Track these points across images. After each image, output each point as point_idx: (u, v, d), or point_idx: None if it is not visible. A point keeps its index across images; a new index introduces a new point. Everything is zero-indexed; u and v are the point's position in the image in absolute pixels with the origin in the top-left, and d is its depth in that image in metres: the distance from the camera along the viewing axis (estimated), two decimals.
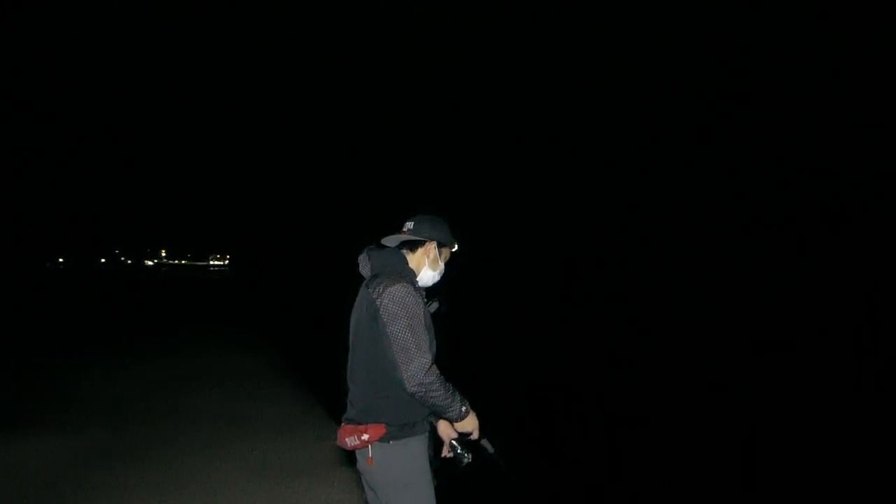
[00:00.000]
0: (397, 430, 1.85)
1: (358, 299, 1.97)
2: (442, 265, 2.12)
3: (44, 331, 12.10)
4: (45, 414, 5.46)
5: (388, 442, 1.85)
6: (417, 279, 2.04)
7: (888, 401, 7.67)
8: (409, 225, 2.07)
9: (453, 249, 2.16)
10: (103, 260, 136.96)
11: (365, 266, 2.02)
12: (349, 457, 2.49)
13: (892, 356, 11.24)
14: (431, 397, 1.80)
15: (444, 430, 2.06)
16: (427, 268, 2.07)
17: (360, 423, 1.87)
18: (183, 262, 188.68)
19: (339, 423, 1.98)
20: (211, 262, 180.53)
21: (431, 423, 2.02)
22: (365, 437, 1.84)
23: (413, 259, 2.05)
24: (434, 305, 2.00)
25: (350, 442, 1.88)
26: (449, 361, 2.04)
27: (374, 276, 1.94)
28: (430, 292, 2.06)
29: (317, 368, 7.75)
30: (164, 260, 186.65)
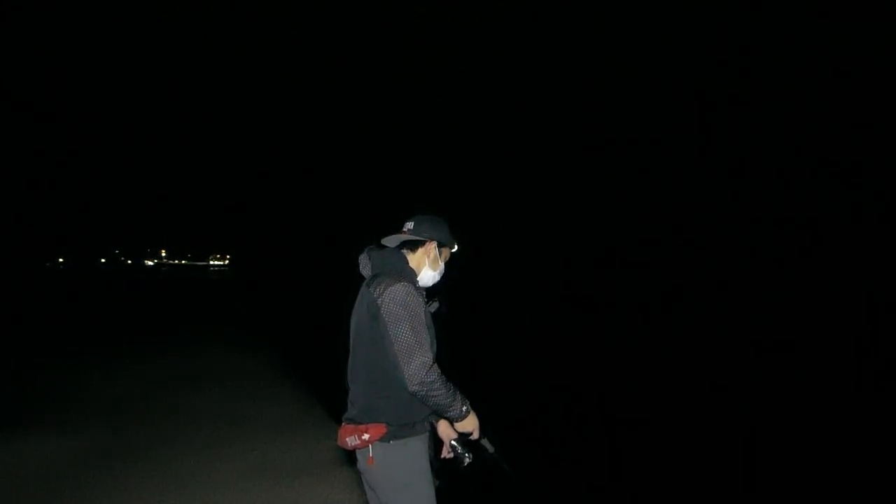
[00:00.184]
0: (398, 430, 1.86)
1: (358, 299, 1.97)
2: (442, 265, 2.12)
3: (44, 331, 12.10)
4: (45, 414, 5.47)
5: (389, 442, 1.85)
6: (418, 279, 2.04)
7: (888, 401, 7.67)
8: (410, 225, 2.07)
9: (453, 250, 2.16)
10: (103, 260, 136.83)
11: (365, 266, 2.02)
12: (349, 457, 2.50)
13: (892, 356, 11.24)
14: (432, 396, 1.80)
15: (444, 430, 2.06)
16: (427, 268, 2.07)
17: (360, 423, 1.88)
18: (183, 262, 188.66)
19: (339, 422, 1.98)
20: (211, 262, 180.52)
21: (431, 423, 2.02)
22: (365, 436, 1.84)
23: (413, 259, 2.05)
24: (434, 305, 2.00)
25: (351, 442, 1.88)
26: (449, 361, 2.04)
27: (375, 276, 1.94)
28: (431, 292, 2.06)
29: (317, 368, 7.76)
30: (164, 260, 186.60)
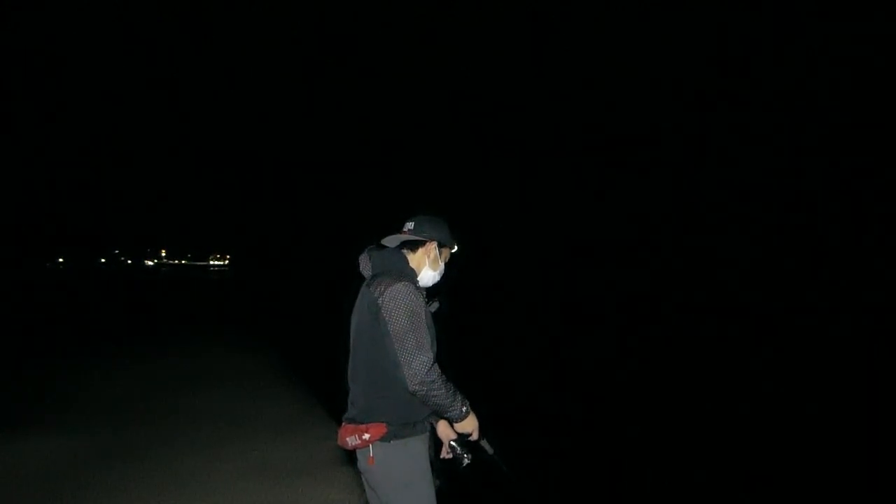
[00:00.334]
0: (398, 430, 1.86)
1: (359, 299, 1.97)
2: (442, 265, 2.12)
3: (44, 331, 12.10)
4: (45, 414, 5.46)
5: (389, 441, 1.85)
6: (418, 279, 2.04)
7: (888, 400, 7.67)
8: (410, 225, 2.07)
9: (453, 250, 2.16)
10: (103, 260, 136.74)
11: (365, 266, 2.03)
12: (350, 457, 2.50)
13: (892, 356, 11.24)
14: (433, 396, 1.80)
15: (444, 430, 2.06)
16: (427, 268, 2.07)
17: (360, 423, 1.88)
18: (183, 262, 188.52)
19: (339, 422, 1.98)
20: (211, 262, 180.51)
21: (431, 423, 2.02)
22: (366, 436, 1.84)
23: (413, 259, 2.05)
24: (434, 305, 2.00)
25: (351, 441, 1.88)
26: (449, 361, 2.04)
27: (375, 276, 1.94)
28: (431, 292, 2.06)
29: (317, 368, 7.76)
30: (164, 260, 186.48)
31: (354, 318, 1.98)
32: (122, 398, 6.09)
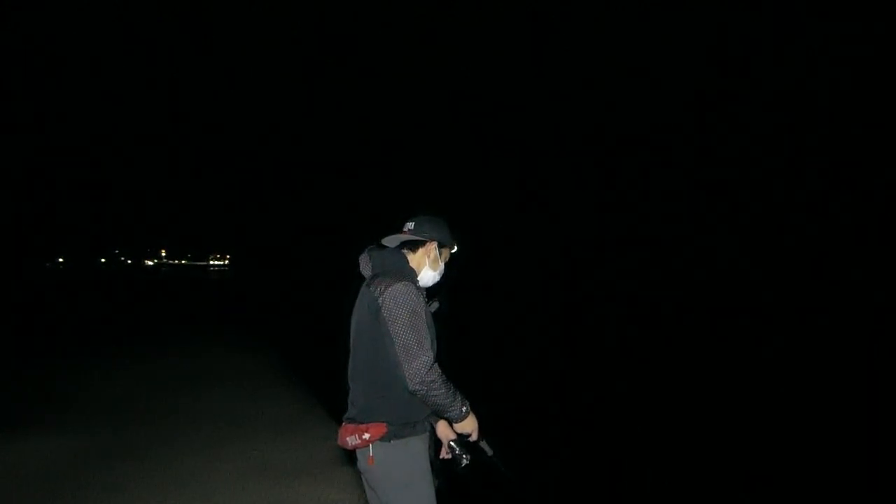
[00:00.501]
0: (398, 430, 1.85)
1: (359, 299, 1.97)
2: (442, 265, 2.12)
3: (44, 331, 12.10)
4: (45, 414, 5.47)
5: (389, 441, 1.85)
6: (418, 279, 2.04)
7: (888, 401, 7.67)
8: (410, 225, 2.07)
9: (453, 250, 2.16)
10: (103, 260, 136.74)
11: (366, 266, 2.03)
12: (350, 456, 2.50)
13: (892, 356, 11.24)
14: (433, 396, 1.80)
15: (443, 430, 2.06)
16: (427, 268, 2.07)
17: (361, 423, 1.88)
18: (183, 262, 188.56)
19: (339, 422, 1.98)
20: (211, 262, 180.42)
21: (431, 423, 2.02)
22: (366, 436, 1.84)
23: (414, 259, 2.05)
24: (434, 305, 2.00)
25: (351, 441, 1.88)
26: (449, 361, 2.04)
27: (375, 276, 1.94)
28: (430, 292, 2.06)
29: (317, 368, 7.75)
30: (164, 260, 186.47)
31: (354, 318, 1.98)
32: (122, 398, 6.09)
